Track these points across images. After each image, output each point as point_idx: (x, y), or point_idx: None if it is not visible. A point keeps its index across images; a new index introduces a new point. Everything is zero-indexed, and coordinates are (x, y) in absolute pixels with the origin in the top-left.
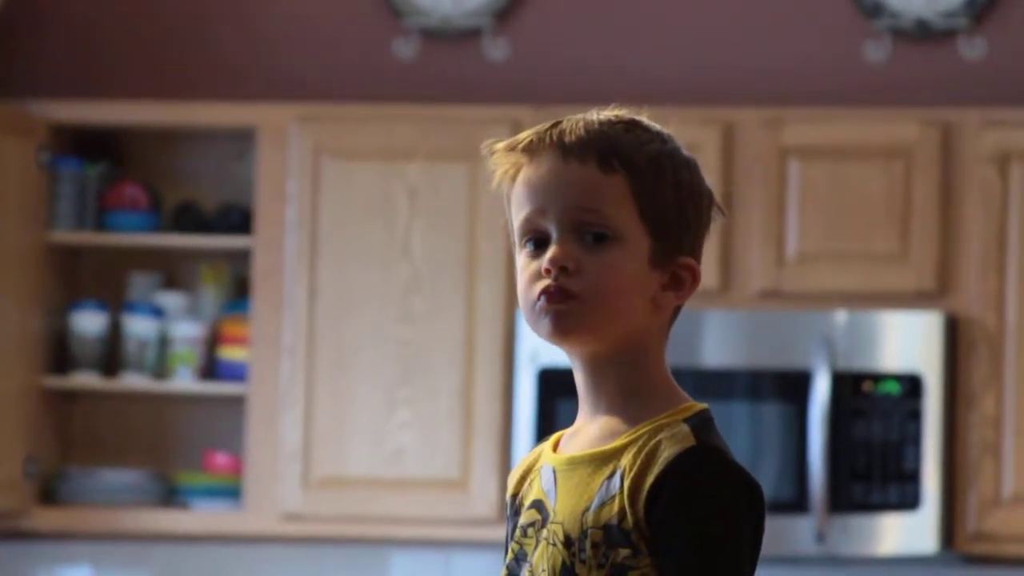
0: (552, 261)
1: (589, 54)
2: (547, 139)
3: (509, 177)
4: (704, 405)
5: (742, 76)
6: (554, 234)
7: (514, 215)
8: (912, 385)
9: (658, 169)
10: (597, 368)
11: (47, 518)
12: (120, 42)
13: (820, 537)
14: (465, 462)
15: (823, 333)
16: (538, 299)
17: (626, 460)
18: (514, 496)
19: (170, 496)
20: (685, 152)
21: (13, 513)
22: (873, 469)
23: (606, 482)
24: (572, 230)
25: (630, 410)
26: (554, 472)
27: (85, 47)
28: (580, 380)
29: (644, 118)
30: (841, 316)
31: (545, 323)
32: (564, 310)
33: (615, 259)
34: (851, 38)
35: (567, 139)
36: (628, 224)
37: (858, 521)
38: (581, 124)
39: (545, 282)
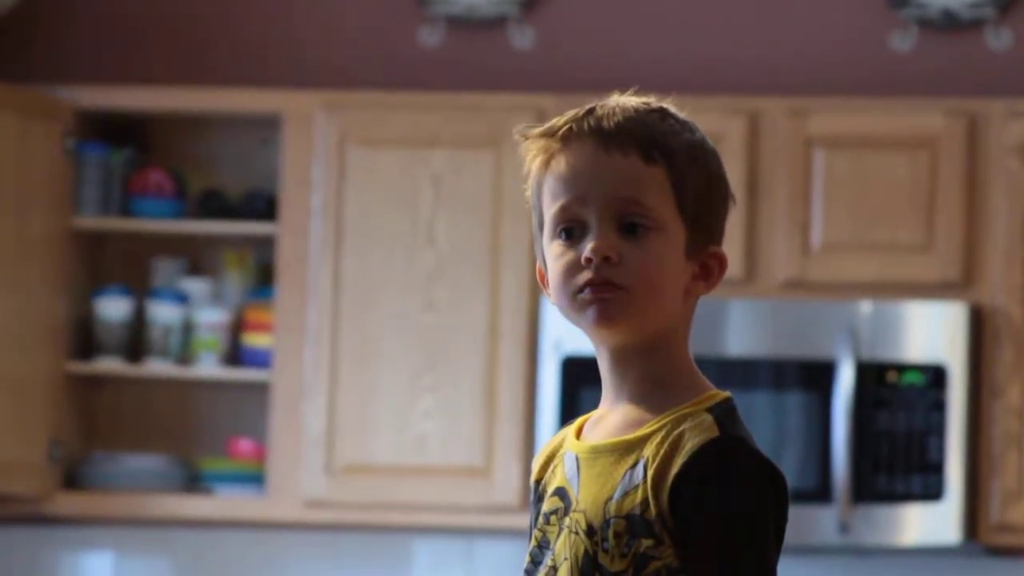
0: (595, 251)
1: (614, 43)
2: (585, 127)
3: (542, 163)
4: (727, 393)
5: (767, 65)
6: (594, 224)
7: (547, 202)
8: (936, 376)
9: (693, 160)
10: (623, 357)
11: (70, 503)
12: (146, 28)
13: (843, 527)
14: (488, 449)
15: (847, 323)
16: (581, 290)
17: (649, 450)
18: (537, 481)
19: (193, 482)
20: (710, 141)
21: (37, 497)
22: (896, 460)
23: (629, 471)
24: (613, 220)
25: (654, 399)
26: (577, 460)
27: (111, 33)
28: (604, 367)
29: (670, 105)
30: (865, 306)
31: (590, 313)
32: (610, 299)
33: (656, 250)
34: (877, 28)
35: (606, 127)
36: (667, 215)
37: (881, 511)
38: (618, 111)
39: (586, 273)
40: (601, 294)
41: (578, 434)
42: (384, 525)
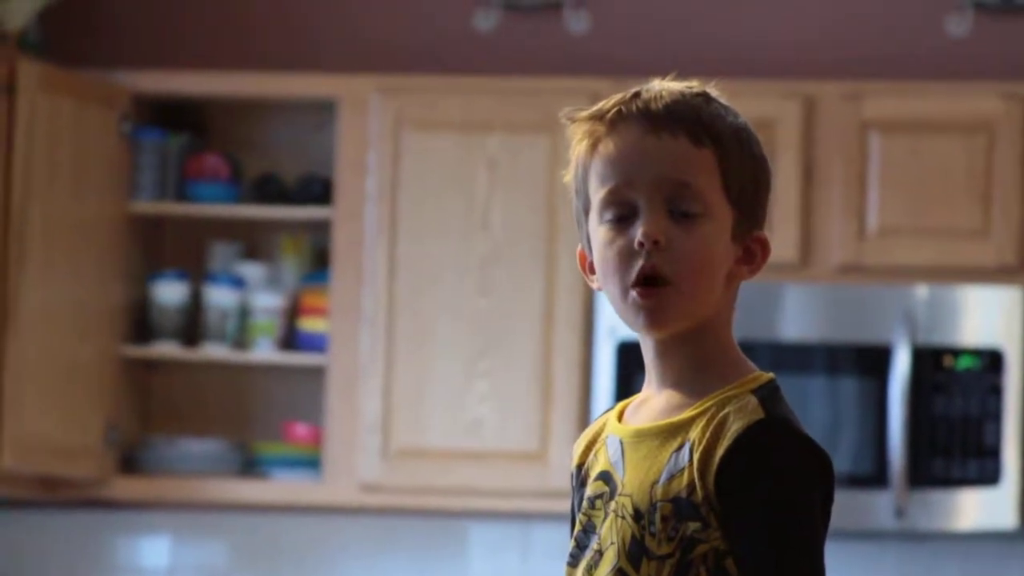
0: (646, 236)
1: (669, 26)
2: (632, 109)
3: (588, 147)
4: (770, 375)
5: (823, 49)
6: (643, 206)
7: (594, 186)
8: (993, 360)
9: (739, 144)
10: (668, 344)
11: (127, 487)
12: (203, 12)
13: (899, 512)
14: (544, 434)
15: (903, 308)
16: (631, 289)
17: (695, 433)
18: (579, 466)
19: (249, 466)
20: (752, 126)
21: (93, 481)
22: (953, 444)
23: (675, 454)
24: (662, 203)
25: (698, 382)
26: (621, 443)
27: (168, 17)
28: (648, 352)
29: (712, 90)
30: (922, 291)
31: (640, 319)
32: (658, 306)
33: (705, 235)
34: (932, 11)
35: (654, 109)
36: (715, 199)
37: (938, 496)
38: (665, 94)
39: (639, 261)
40: (649, 299)
41: (620, 418)
42: (439, 509)
